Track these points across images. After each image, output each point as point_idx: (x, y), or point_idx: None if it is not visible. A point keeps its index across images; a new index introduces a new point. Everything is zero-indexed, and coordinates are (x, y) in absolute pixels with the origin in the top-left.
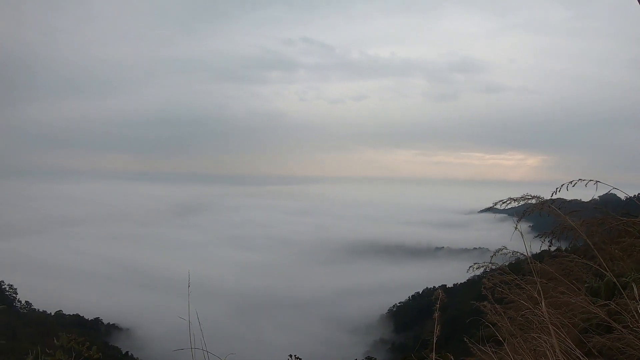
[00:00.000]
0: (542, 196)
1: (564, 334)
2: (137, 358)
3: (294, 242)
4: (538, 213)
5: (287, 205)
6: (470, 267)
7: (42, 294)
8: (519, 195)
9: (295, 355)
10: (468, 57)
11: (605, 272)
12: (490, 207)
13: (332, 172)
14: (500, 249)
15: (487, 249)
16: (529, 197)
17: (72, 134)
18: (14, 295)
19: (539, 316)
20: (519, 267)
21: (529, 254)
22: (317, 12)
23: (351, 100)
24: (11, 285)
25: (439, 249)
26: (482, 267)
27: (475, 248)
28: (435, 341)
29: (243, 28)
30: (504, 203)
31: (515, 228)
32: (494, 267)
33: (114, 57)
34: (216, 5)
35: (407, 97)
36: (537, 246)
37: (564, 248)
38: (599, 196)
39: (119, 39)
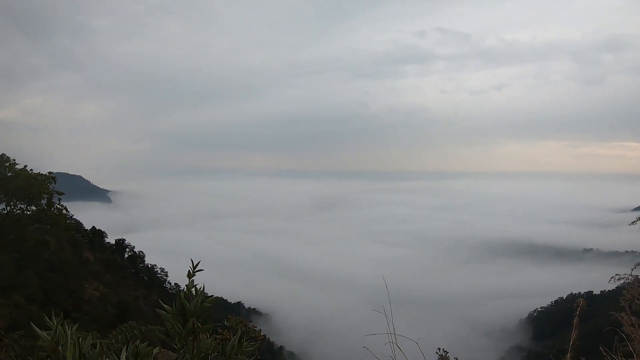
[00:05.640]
0: None
1: None
2: (273, 341)
3: (434, 239)
4: None
5: (428, 201)
6: (612, 277)
7: (186, 277)
8: None
9: (443, 349)
10: (614, 34)
11: None
12: None
13: (474, 166)
14: None
15: None
16: None
17: (219, 136)
18: (164, 277)
19: None
20: None
21: None
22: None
23: (492, 89)
24: (162, 268)
25: (587, 250)
26: (623, 278)
27: (627, 251)
28: (570, 348)
29: (374, 25)
30: None
31: None
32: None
33: (253, 64)
34: (344, 7)
35: (552, 83)
36: None
37: None
38: None
39: (255, 47)
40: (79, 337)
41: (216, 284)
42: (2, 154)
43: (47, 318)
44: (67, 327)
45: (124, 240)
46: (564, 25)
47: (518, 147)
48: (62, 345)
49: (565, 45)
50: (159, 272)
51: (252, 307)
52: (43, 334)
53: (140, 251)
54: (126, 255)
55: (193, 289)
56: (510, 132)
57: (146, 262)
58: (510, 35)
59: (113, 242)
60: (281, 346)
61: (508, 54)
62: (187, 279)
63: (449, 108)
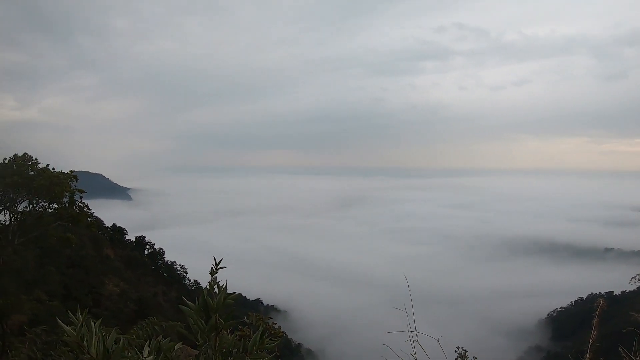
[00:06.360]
0: None
1: None
2: (291, 338)
3: (454, 237)
4: None
5: (448, 199)
6: (632, 278)
7: (208, 274)
8: None
9: (462, 348)
10: (636, 28)
11: None
12: None
13: (494, 163)
14: None
15: None
16: None
17: (237, 134)
18: (184, 274)
19: None
20: None
21: None
22: None
23: (512, 85)
24: (182, 265)
25: (608, 250)
26: None
27: None
28: (589, 349)
29: (392, 21)
30: None
31: None
32: None
33: (270, 63)
34: (361, 3)
35: (573, 78)
36: None
37: None
38: None
39: (273, 45)
40: (103, 333)
41: (235, 280)
42: (25, 153)
43: (70, 314)
44: (91, 322)
45: (144, 237)
46: (584, 19)
47: (538, 144)
48: (87, 340)
49: (586, 40)
50: (179, 268)
51: (270, 304)
52: (69, 329)
53: (160, 248)
54: (146, 252)
55: (215, 286)
56: (530, 128)
57: (166, 259)
58: (529, 30)
59: (133, 239)
60: (299, 343)
61: (527, 50)
62: (210, 275)
63: (468, 104)
